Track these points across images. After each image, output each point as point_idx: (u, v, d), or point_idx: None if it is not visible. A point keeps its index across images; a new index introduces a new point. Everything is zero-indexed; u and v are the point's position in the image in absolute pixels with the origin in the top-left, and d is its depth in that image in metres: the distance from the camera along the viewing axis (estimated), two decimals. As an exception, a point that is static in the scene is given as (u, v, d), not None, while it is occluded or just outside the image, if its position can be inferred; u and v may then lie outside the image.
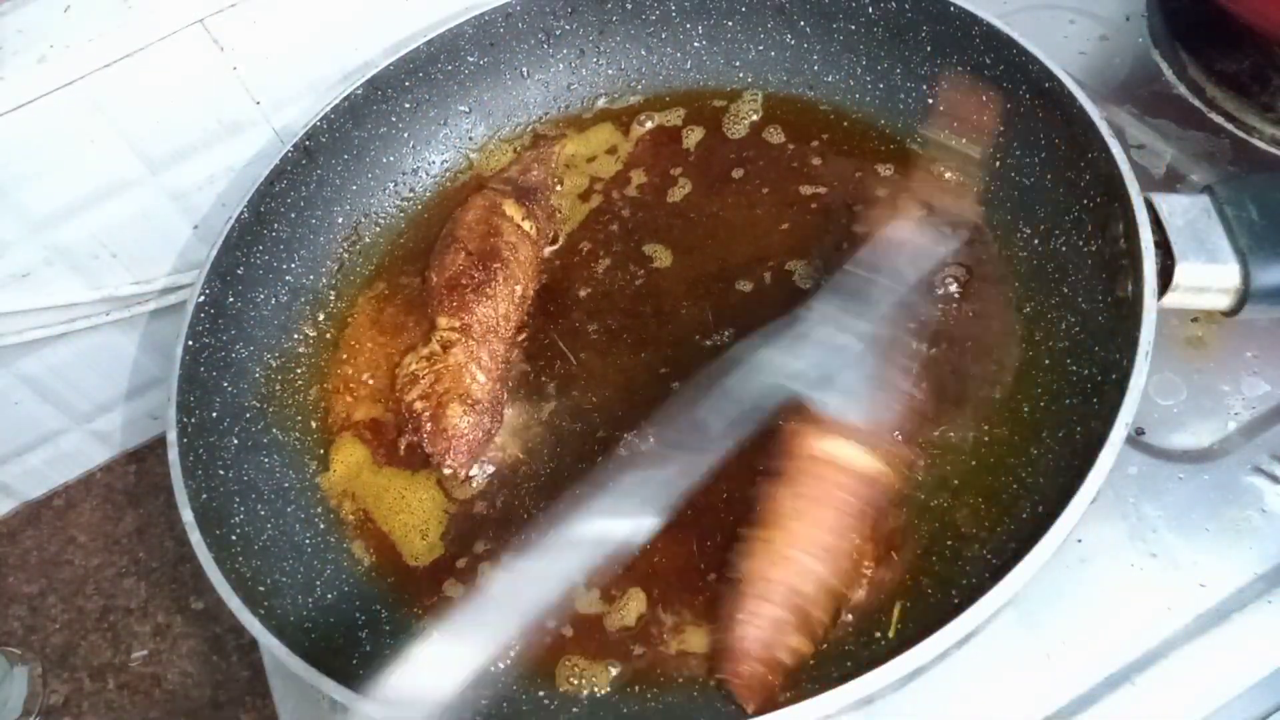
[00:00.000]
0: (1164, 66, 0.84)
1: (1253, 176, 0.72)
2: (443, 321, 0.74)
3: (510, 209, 0.80)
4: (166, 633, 0.93)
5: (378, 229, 0.86)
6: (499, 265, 0.76)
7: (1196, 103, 0.80)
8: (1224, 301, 0.60)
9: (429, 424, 0.70)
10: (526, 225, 0.80)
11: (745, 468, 0.63)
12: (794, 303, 0.69)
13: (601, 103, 0.90)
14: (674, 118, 0.86)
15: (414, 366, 0.73)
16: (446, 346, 0.73)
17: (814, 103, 0.83)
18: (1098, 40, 0.87)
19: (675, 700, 0.58)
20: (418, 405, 0.71)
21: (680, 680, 0.59)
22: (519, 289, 0.77)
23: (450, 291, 0.75)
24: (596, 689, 0.60)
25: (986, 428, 0.63)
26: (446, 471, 0.69)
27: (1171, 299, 0.59)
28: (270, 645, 0.56)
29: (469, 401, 0.70)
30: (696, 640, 0.60)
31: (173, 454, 0.64)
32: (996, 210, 0.72)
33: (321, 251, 0.82)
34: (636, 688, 0.59)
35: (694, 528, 0.63)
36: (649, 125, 0.87)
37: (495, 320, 0.75)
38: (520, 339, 0.76)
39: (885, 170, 0.77)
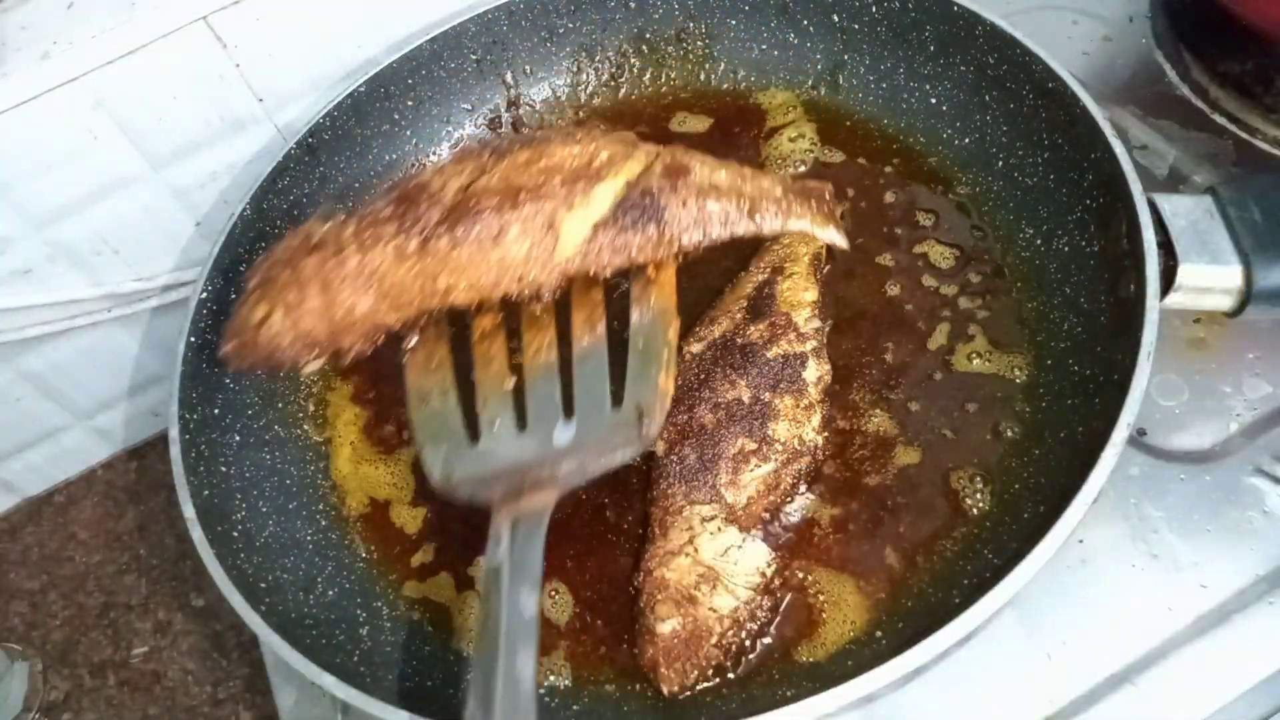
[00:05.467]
0: (1167, 67, 0.83)
1: (1256, 178, 0.72)
2: None
3: None
4: (167, 629, 0.93)
5: (380, 227, 0.85)
6: None
7: (1199, 104, 0.80)
8: (1226, 302, 0.60)
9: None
10: None
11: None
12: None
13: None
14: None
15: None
16: None
17: (819, 102, 0.83)
18: (1101, 41, 0.87)
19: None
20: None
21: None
22: None
23: None
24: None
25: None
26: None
27: (1174, 300, 0.59)
28: (271, 642, 0.56)
29: None
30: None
31: (175, 450, 0.64)
32: (999, 210, 0.72)
33: (323, 249, 0.82)
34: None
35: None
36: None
37: None
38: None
39: (888, 169, 0.77)
